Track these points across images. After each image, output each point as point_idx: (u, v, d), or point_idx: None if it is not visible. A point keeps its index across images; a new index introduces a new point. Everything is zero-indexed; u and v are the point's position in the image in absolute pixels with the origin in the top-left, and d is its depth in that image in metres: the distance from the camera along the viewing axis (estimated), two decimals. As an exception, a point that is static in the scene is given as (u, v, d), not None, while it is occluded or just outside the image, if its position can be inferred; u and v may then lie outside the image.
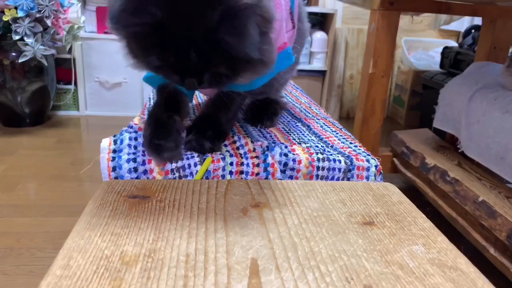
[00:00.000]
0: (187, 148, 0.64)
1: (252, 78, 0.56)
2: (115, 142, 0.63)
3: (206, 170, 0.61)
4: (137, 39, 0.50)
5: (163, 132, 0.61)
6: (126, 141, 0.64)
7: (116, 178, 0.59)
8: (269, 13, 0.50)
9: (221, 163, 0.62)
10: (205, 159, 0.62)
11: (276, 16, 0.52)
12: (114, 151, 0.61)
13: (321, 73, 2.73)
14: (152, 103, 0.94)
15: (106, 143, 0.63)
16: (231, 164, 0.63)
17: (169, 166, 0.60)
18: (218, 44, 0.48)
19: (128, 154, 0.61)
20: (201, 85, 0.53)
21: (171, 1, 0.47)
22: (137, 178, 0.60)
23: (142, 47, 0.50)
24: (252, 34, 0.48)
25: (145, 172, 0.60)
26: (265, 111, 0.82)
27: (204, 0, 0.46)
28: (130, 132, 0.68)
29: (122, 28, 0.50)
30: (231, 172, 0.63)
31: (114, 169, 0.59)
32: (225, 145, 0.68)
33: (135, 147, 0.63)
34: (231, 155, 0.63)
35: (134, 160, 0.60)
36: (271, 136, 0.77)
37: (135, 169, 0.60)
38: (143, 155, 0.61)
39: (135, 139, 0.65)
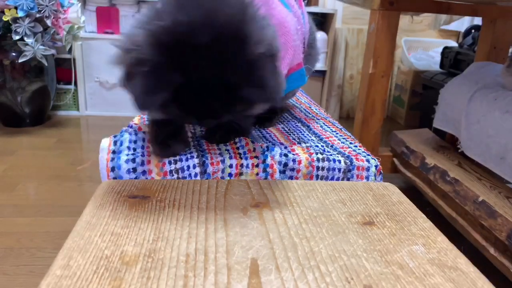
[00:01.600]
0: (202, 137, 0.68)
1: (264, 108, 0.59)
2: (115, 142, 0.63)
3: None
4: (161, 107, 0.51)
5: (171, 132, 0.63)
6: (126, 142, 0.64)
7: (115, 178, 0.59)
8: (277, 49, 0.52)
9: (221, 166, 0.62)
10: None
11: (281, 47, 0.55)
12: (114, 151, 0.61)
13: (321, 73, 2.73)
14: None
15: (106, 143, 0.63)
16: (231, 166, 0.63)
17: (168, 168, 0.60)
18: (239, 96, 0.49)
19: (127, 154, 0.61)
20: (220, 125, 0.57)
21: (190, 64, 0.47)
22: (135, 178, 0.60)
23: (163, 106, 0.50)
24: (270, 83, 0.50)
25: (143, 172, 0.60)
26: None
27: (222, 58, 0.47)
28: (131, 133, 0.68)
29: (149, 108, 0.52)
30: (230, 174, 0.63)
31: (113, 169, 0.59)
32: (225, 145, 0.68)
33: (134, 149, 0.63)
34: (230, 157, 0.63)
35: (133, 160, 0.60)
36: (271, 136, 0.77)
37: (134, 170, 0.60)
38: (142, 156, 0.61)
39: (135, 141, 0.65)
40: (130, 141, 0.65)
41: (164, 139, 0.61)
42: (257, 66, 0.49)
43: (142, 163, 0.60)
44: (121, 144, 0.63)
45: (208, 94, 0.49)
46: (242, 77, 0.48)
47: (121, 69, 0.51)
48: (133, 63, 0.48)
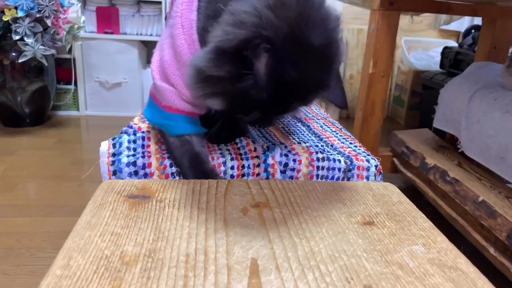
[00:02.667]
0: (206, 138, 0.68)
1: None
2: (114, 145, 0.63)
3: None
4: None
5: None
6: (125, 144, 0.64)
7: (116, 178, 0.59)
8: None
9: (222, 168, 0.62)
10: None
11: None
12: (114, 154, 0.61)
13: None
14: None
15: (105, 147, 0.63)
16: (232, 168, 0.63)
17: (169, 170, 0.60)
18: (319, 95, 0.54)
19: (128, 156, 0.61)
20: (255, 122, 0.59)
21: (303, 61, 0.49)
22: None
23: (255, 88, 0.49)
24: (343, 93, 0.57)
25: (145, 175, 0.60)
26: None
27: (326, 61, 0.51)
28: (129, 134, 0.68)
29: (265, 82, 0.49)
30: (232, 176, 0.63)
31: (114, 173, 0.59)
32: (226, 145, 0.68)
33: (134, 149, 0.63)
34: (231, 159, 0.63)
35: (134, 163, 0.60)
36: (271, 136, 0.77)
37: (136, 173, 0.60)
38: (143, 157, 0.61)
39: (134, 141, 0.65)
40: (129, 142, 0.65)
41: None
42: (339, 73, 0.55)
43: (144, 166, 0.60)
44: (120, 146, 0.63)
45: (296, 91, 0.51)
46: (331, 80, 0.52)
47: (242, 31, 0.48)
48: (261, 37, 0.46)
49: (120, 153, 0.61)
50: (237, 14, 0.48)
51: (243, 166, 0.63)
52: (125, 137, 0.65)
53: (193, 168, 0.61)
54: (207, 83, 0.50)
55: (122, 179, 0.59)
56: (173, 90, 0.59)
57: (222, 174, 0.63)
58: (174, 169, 0.61)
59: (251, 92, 0.49)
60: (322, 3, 0.51)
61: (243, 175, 0.64)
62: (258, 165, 0.64)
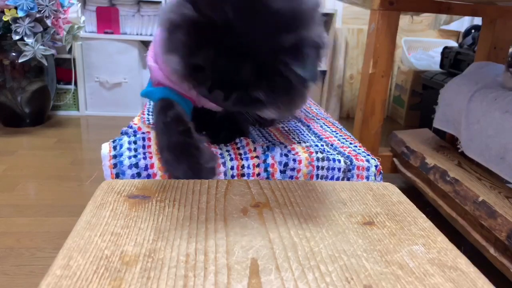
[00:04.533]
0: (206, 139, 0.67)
1: (280, 114, 0.55)
2: (114, 148, 0.63)
3: None
4: (200, 29, 0.46)
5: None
6: (126, 145, 0.64)
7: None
8: (324, 45, 0.50)
9: (222, 168, 0.62)
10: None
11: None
12: (115, 156, 0.61)
13: (321, 73, 2.73)
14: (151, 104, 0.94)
15: (106, 150, 0.62)
16: (232, 168, 0.63)
17: (171, 170, 0.60)
18: (277, 68, 0.46)
19: (129, 158, 0.61)
20: (226, 102, 0.51)
21: (245, 24, 0.44)
22: (137, 178, 0.60)
23: (199, 40, 0.46)
24: (311, 69, 0.48)
25: (148, 176, 0.60)
26: None
27: (281, 24, 0.45)
28: (129, 135, 0.68)
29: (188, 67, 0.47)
30: (232, 176, 0.63)
31: (117, 175, 0.59)
32: (226, 145, 0.68)
33: (135, 149, 0.63)
34: (231, 159, 0.63)
35: (136, 165, 0.60)
36: (271, 136, 0.77)
37: (139, 174, 0.60)
38: (144, 158, 0.61)
39: (135, 142, 0.65)
40: (129, 143, 0.64)
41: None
42: (304, 48, 0.47)
43: (146, 167, 0.60)
44: (120, 147, 0.63)
45: (249, 52, 0.46)
46: (288, 54, 0.46)
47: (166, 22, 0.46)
48: (179, 18, 0.45)
49: (121, 155, 0.61)
50: None
51: (242, 166, 0.63)
52: (125, 139, 0.65)
53: (168, 130, 0.57)
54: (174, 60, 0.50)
55: (124, 180, 0.59)
56: (157, 67, 0.62)
57: (221, 175, 0.63)
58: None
59: (207, 65, 0.47)
60: None
61: (242, 175, 0.64)
62: (258, 165, 0.64)
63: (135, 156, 0.61)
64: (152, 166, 0.60)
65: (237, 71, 0.47)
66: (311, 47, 0.47)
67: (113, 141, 0.65)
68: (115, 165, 0.60)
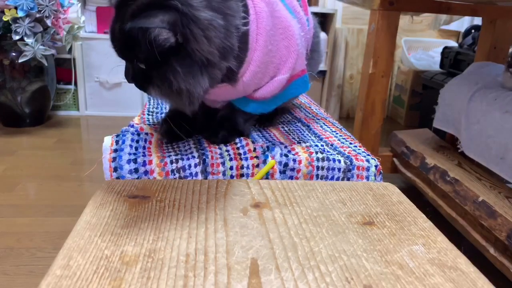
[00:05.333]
0: (204, 137, 0.70)
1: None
2: (117, 142, 0.63)
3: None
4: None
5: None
6: (128, 142, 0.64)
7: (118, 178, 0.59)
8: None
9: (221, 168, 0.62)
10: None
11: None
12: (116, 150, 0.61)
13: (321, 73, 2.73)
14: (151, 104, 0.94)
15: (108, 142, 0.63)
16: (231, 168, 0.63)
17: (169, 167, 0.60)
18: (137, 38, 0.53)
19: (129, 154, 0.61)
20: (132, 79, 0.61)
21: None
22: (138, 178, 0.60)
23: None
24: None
25: (145, 173, 0.60)
26: None
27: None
28: (133, 133, 0.68)
29: None
30: (232, 176, 0.63)
31: (115, 169, 0.60)
32: (225, 145, 0.68)
33: (136, 148, 0.63)
34: (230, 159, 0.63)
35: (135, 161, 0.60)
36: (271, 136, 0.77)
37: (136, 170, 0.60)
38: (144, 156, 0.61)
39: (137, 141, 0.65)
40: (132, 140, 0.65)
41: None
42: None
43: (144, 163, 0.60)
44: (123, 143, 0.63)
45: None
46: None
47: None
48: None
49: (122, 150, 0.61)
50: None
51: (242, 166, 0.63)
52: (128, 135, 0.66)
53: None
54: None
55: (123, 175, 0.59)
56: None
57: (221, 175, 0.63)
58: (174, 165, 0.61)
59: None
60: None
61: (242, 175, 0.64)
62: (257, 165, 0.64)
63: (135, 153, 0.61)
64: (150, 162, 0.60)
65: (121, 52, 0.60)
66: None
67: (117, 136, 0.65)
68: (114, 159, 0.60)
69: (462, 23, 2.77)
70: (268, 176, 0.64)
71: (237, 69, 0.61)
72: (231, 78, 0.62)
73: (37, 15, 1.94)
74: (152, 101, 0.96)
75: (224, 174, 0.63)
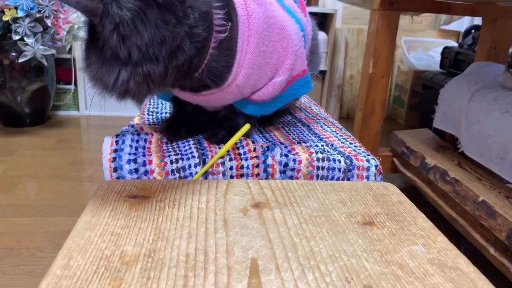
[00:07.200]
0: (204, 137, 0.70)
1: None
2: (117, 142, 0.63)
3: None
4: None
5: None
6: (128, 142, 0.64)
7: (118, 178, 0.59)
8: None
9: (221, 168, 0.62)
10: (205, 159, 0.62)
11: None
12: (116, 150, 0.61)
13: (321, 73, 2.73)
14: (151, 104, 0.94)
15: (108, 142, 0.63)
16: (231, 168, 0.63)
17: (169, 167, 0.61)
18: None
19: (129, 154, 0.61)
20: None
21: None
22: (138, 178, 0.60)
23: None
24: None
25: (145, 173, 0.60)
26: None
27: None
28: (133, 133, 0.68)
29: None
30: (231, 177, 0.63)
31: (115, 169, 0.60)
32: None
33: (136, 148, 0.64)
34: (230, 159, 0.63)
35: (135, 161, 0.60)
36: (271, 136, 0.77)
37: (136, 170, 0.60)
38: (144, 156, 0.61)
39: (137, 141, 0.65)
40: (132, 140, 0.65)
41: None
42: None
43: (144, 163, 0.60)
44: (123, 143, 0.63)
45: None
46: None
47: None
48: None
49: (122, 150, 0.62)
50: None
51: (242, 167, 0.63)
52: (128, 136, 0.66)
53: None
54: None
55: (123, 175, 0.59)
56: None
57: (220, 175, 0.63)
58: (174, 165, 0.61)
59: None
60: None
61: (242, 176, 0.64)
62: (257, 165, 0.64)
63: (135, 153, 0.61)
64: (150, 162, 0.60)
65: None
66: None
67: (117, 136, 0.65)
68: (114, 159, 0.60)
69: (462, 23, 2.77)
70: (268, 176, 0.64)
71: (224, 74, 0.60)
72: (218, 84, 0.61)
73: (37, 15, 1.94)
74: (152, 101, 0.96)
75: (224, 174, 0.63)
